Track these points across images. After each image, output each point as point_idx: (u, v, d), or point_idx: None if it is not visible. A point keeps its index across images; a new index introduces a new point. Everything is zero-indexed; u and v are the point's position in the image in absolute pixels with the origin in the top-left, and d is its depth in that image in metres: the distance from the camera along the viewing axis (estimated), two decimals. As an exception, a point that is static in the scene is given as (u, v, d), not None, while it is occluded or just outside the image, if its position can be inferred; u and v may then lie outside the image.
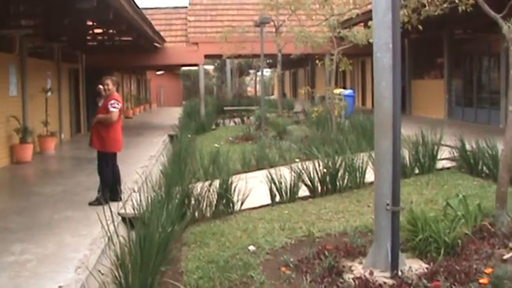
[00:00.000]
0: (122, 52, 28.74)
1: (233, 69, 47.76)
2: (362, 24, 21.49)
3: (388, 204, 5.62)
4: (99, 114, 11.17)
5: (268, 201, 9.84)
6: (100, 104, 11.37)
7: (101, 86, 11.36)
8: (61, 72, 23.76)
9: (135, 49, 28.03)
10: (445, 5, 8.93)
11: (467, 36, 24.63)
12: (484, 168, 11.08)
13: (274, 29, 23.92)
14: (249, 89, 64.97)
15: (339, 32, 17.97)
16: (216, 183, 9.37)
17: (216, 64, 53.90)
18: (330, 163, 10.33)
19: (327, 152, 11.13)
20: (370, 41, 18.10)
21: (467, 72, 24.78)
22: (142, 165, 15.96)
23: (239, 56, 29.77)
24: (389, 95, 5.46)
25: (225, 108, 34.39)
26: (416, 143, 11.85)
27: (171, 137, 22.66)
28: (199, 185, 9.52)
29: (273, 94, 68.01)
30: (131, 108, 44.75)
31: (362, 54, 32.20)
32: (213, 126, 26.70)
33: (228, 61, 42.40)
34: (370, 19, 17.88)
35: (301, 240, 7.32)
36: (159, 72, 62.25)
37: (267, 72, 66.97)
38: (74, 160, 18.70)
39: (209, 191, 9.22)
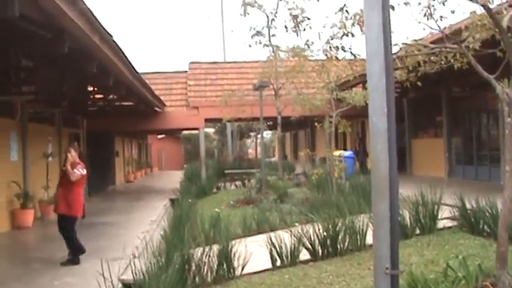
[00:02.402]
0: (123, 116, 28.98)
1: (233, 132, 47.99)
2: (360, 85, 21.75)
3: (387, 268, 5.57)
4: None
5: (269, 265, 9.78)
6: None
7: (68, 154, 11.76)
8: (62, 137, 23.89)
9: (135, 113, 28.28)
10: (441, 63, 8.98)
11: (465, 94, 24.84)
12: (485, 227, 10.98)
13: (273, 92, 24.10)
14: (250, 151, 65.15)
15: (337, 95, 18.17)
16: (217, 248, 9.34)
17: (216, 127, 54.20)
18: (330, 226, 10.30)
19: (328, 215, 11.12)
20: (368, 102, 18.34)
21: (467, 129, 24.93)
22: (143, 230, 15.90)
23: (239, 120, 29.98)
24: (385, 158, 5.47)
25: (226, 171, 34.41)
26: (417, 203, 11.81)
27: (172, 201, 22.65)
28: (200, 249, 9.48)
29: (273, 156, 68.20)
30: (132, 172, 44.83)
31: (361, 115, 32.37)
32: (214, 190, 26.69)
33: (228, 124, 42.67)
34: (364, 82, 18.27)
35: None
36: (160, 136, 62.59)
37: (267, 134, 67.36)
38: (78, 226, 18.67)
39: (209, 256, 9.18)
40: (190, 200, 18.27)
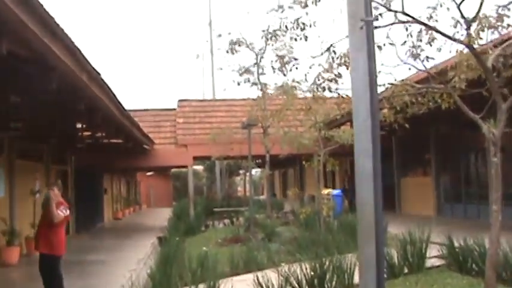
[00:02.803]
0: (111, 154, 28.89)
1: (222, 169, 47.95)
2: (348, 123, 21.78)
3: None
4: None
5: (257, 305, 9.71)
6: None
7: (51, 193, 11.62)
8: (50, 173, 23.78)
9: (124, 151, 28.18)
10: (429, 104, 9.02)
11: (454, 132, 24.94)
12: (474, 265, 10.90)
13: (262, 130, 24.12)
14: (239, 188, 65.07)
15: (325, 133, 18.19)
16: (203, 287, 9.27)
17: (205, 164, 54.14)
18: (317, 265, 10.21)
19: (315, 254, 11.05)
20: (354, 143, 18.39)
21: (455, 168, 24.97)
22: (130, 268, 15.74)
23: (228, 158, 29.96)
24: (371, 201, 5.47)
25: (214, 209, 34.27)
26: (405, 242, 11.76)
27: (159, 239, 22.47)
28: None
29: (262, 194, 68.08)
30: (121, 209, 44.63)
31: (350, 153, 32.37)
32: (203, 228, 26.51)
33: (217, 162, 42.63)
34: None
35: None
36: (149, 173, 62.43)
37: (256, 172, 67.36)
38: (67, 263, 18.51)
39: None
40: (177, 238, 18.13)
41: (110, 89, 12.97)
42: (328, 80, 8.89)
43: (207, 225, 27.48)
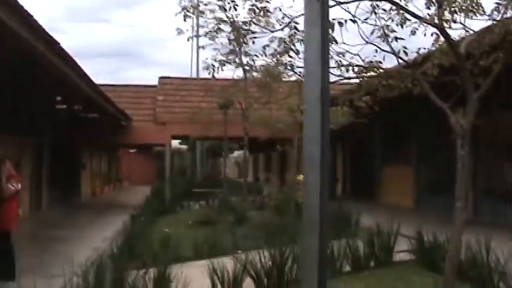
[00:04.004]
0: (89, 129, 28.39)
1: (203, 150, 47.43)
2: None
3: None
4: None
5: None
6: None
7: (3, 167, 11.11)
8: (24, 147, 23.24)
9: (102, 127, 27.75)
10: (401, 88, 8.46)
11: (434, 122, 24.46)
12: (443, 263, 10.40)
13: (241, 111, 23.58)
14: (226, 170, 64.48)
15: (296, 117, 17.63)
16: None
17: (189, 144, 53.59)
18: (277, 254, 9.73)
19: (281, 241, 10.63)
20: (331, 126, 17.94)
21: (435, 158, 24.45)
22: (93, 246, 15.25)
23: (207, 138, 29.51)
24: (317, 190, 4.99)
25: (193, 190, 33.82)
26: (371, 234, 11.34)
27: (133, 217, 22.01)
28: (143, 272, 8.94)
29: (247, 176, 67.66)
30: (100, 186, 44.14)
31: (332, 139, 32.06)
32: (178, 208, 26.06)
33: (197, 142, 42.10)
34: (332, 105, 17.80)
35: None
36: (131, 150, 61.82)
37: (240, 154, 66.97)
38: (30, 238, 18.15)
39: (145, 280, 8.64)
40: (142, 219, 17.71)
41: (72, 59, 12.42)
42: (287, 54, 8.36)
43: (183, 206, 26.99)
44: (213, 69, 13.51)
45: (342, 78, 8.18)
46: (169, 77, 34.53)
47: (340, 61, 7.88)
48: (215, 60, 17.82)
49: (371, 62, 7.80)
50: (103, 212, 27.06)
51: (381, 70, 7.71)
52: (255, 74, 23.05)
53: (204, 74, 22.55)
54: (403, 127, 25.74)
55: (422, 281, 9.50)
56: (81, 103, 17.63)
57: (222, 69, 19.49)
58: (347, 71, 7.85)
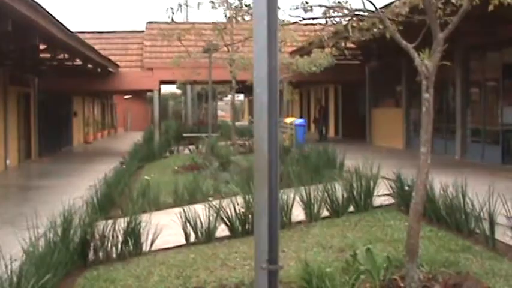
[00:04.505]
0: (77, 77, 28.09)
1: (194, 95, 47.07)
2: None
3: (263, 264, 4.87)
4: None
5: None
6: None
7: None
8: (7, 96, 22.96)
9: (89, 74, 27.41)
10: (374, 30, 8.12)
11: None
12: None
13: (228, 55, 23.23)
14: (220, 113, 64.26)
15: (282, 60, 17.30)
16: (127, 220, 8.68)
17: (181, 89, 53.23)
18: (251, 200, 9.54)
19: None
20: (313, 69, 17.75)
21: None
22: (76, 195, 15.06)
23: (194, 82, 29.15)
24: (266, 138, 4.76)
25: (183, 135, 33.67)
26: (351, 177, 11.14)
27: (122, 164, 21.84)
28: (120, 220, 8.81)
29: (243, 119, 67.66)
30: (93, 133, 43.92)
31: (325, 81, 31.90)
32: (167, 154, 25.91)
33: (188, 87, 41.69)
34: (317, 47, 17.45)
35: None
36: (126, 96, 61.36)
37: (238, 97, 66.80)
38: (13, 188, 18.09)
39: (114, 229, 8.51)
40: (124, 166, 17.53)
41: (42, 7, 12.03)
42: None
43: (172, 151, 26.84)
44: (172, 12, 13.07)
45: (301, 19, 7.89)
46: (156, 22, 33.90)
47: (306, 2, 7.58)
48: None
49: (339, 1, 7.48)
50: (92, 160, 26.97)
51: (348, 11, 7.38)
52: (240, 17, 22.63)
53: (194, 18, 21.97)
54: (394, 68, 25.36)
55: (398, 225, 9.29)
56: (63, 52, 17.28)
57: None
58: (311, 10, 7.55)
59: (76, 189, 16.33)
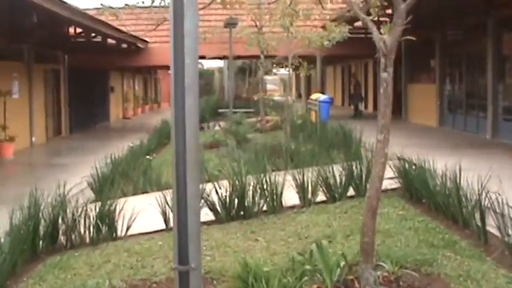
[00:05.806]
0: (106, 53, 28.15)
1: (232, 69, 46.52)
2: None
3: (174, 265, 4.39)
4: None
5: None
6: None
7: None
8: (33, 73, 22.87)
9: (118, 50, 27.41)
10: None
11: (459, 38, 23.09)
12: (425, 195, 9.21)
13: (256, 29, 22.61)
14: (273, 87, 63.33)
15: (292, 33, 16.52)
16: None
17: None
18: (237, 183, 9.05)
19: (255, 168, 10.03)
20: (325, 43, 17.03)
21: (459, 77, 23.15)
22: (86, 174, 14.78)
23: (223, 57, 28.69)
24: (183, 121, 4.30)
25: (219, 110, 33.40)
26: (350, 159, 10.53)
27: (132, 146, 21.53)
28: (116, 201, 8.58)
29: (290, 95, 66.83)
30: (133, 108, 43.87)
31: (364, 56, 31.18)
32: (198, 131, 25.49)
33: (224, 61, 41.14)
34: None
35: (136, 285, 6.18)
36: (170, 72, 61.24)
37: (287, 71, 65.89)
38: (27, 167, 17.92)
39: (86, 212, 8.19)
40: (132, 145, 17.20)
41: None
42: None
43: (202, 128, 26.40)
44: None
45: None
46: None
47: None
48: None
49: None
50: (123, 136, 26.68)
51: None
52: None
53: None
54: (428, 44, 24.35)
55: (391, 214, 8.58)
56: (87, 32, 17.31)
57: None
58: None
59: (89, 168, 16.08)
